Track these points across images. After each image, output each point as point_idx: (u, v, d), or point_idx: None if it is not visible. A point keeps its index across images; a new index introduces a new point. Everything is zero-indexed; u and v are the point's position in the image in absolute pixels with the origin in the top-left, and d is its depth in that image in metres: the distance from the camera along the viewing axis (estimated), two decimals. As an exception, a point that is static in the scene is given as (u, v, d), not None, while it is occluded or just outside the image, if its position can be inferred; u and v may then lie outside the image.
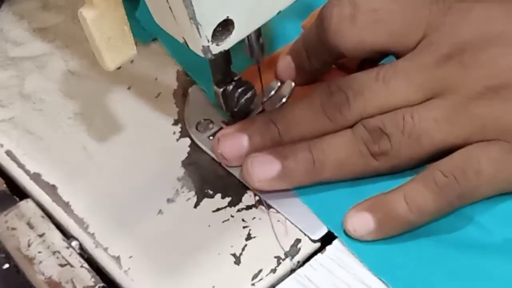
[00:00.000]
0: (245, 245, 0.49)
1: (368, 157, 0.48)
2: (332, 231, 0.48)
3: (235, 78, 0.52)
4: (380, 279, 0.46)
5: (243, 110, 0.53)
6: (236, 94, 0.52)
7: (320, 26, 0.50)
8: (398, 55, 0.50)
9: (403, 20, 0.49)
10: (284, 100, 0.55)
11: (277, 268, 0.47)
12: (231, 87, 0.52)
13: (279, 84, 0.55)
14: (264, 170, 0.49)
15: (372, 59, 0.52)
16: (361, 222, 0.47)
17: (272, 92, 0.55)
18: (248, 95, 0.52)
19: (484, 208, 0.48)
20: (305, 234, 0.49)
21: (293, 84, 0.55)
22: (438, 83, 0.47)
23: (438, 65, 0.47)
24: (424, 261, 0.46)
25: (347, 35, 0.49)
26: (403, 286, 0.45)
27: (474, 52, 0.47)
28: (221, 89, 0.52)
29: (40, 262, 0.49)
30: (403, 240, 0.47)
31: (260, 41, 0.51)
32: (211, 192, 0.52)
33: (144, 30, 0.59)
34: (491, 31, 0.47)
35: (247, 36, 0.49)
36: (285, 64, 0.55)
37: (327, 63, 0.53)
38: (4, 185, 0.54)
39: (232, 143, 0.51)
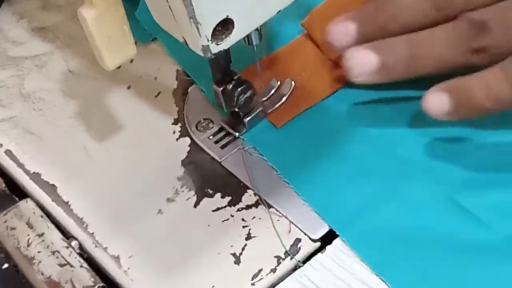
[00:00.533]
0: (245, 245, 0.49)
1: (468, 52, 0.48)
2: (334, 229, 0.48)
3: (235, 77, 0.52)
4: (382, 279, 0.46)
5: (243, 109, 0.53)
6: (236, 93, 0.52)
7: None
8: None
9: None
10: (284, 99, 0.55)
11: (277, 267, 0.47)
12: (230, 86, 0.52)
13: (278, 83, 0.55)
14: (363, 65, 0.50)
15: None
16: (438, 102, 0.47)
17: (272, 91, 0.55)
18: (248, 94, 0.52)
19: (485, 204, 0.48)
20: (305, 234, 0.49)
21: (293, 83, 0.55)
22: None
23: None
24: (425, 260, 0.46)
25: None
26: (404, 285, 0.45)
27: None
28: (221, 88, 0.52)
29: (40, 262, 0.49)
30: (404, 240, 0.47)
31: (260, 40, 0.51)
32: (211, 192, 0.52)
33: (144, 30, 0.59)
34: None
35: (247, 36, 0.49)
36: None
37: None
38: (4, 185, 0.55)
39: (340, 31, 0.51)
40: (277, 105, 0.54)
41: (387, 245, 0.47)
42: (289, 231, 0.49)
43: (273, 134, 0.54)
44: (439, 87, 0.48)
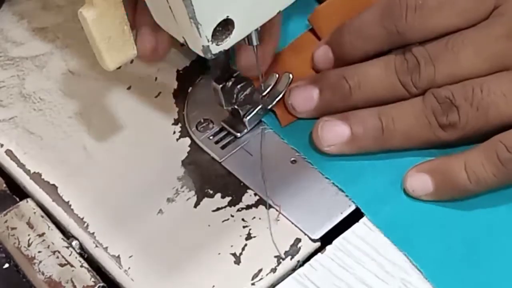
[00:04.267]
0: (245, 245, 0.49)
1: (436, 128, 0.49)
2: (359, 207, 0.49)
3: (234, 74, 0.52)
4: (382, 280, 0.46)
5: (242, 106, 0.53)
6: (235, 90, 0.52)
7: (384, 16, 0.50)
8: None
9: None
10: (282, 94, 0.55)
11: (277, 267, 0.47)
12: (230, 83, 0.52)
13: (277, 76, 0.55)
14: (334, 135, 0.51)
15: None
16: (420, 183, 0.48)
17: (271, 86, 0.55)
18: (247, 91, 0.52)
19: None
20: (305, 234, 0.49)
21: (290, 76, 0.55)
22: (508, 57, 0.47)
23: (508, 38, 0.47)
24: (449, 238, 0.47)
25: (416, 23, 0.49)
26: (430, 263, 0.46)
27: None
28: (221, 85, 0.52)
29: (40, 261, 0.49)
30: (431, 221, 0.48)
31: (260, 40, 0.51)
32: (211, 192, 0.52)
33: None
34: None
35: (247, 36, 0.49)
36: (322, 53, 0.55)
37: (373, 52, 0.52)
38: (4, 185, 0.55)
39: (303, 96, 0.53)
40: (276, 100, 0.54)
41: (413, 225, 0.48)
42: (289, 231, 0.49)
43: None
44: (421, 168, 0.49)
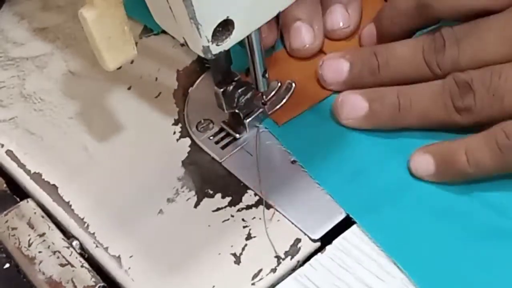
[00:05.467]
0: (245, 245, 0.49)
1: (452, 111, 0.49)
2: (352, 216, 0.49)
3: (235, 79, 0.52)
4: (382, 280, 0.46)
5: (243, 110, 0.53)
6: (236, 94, 0.52)
7: None
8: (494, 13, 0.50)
9: None
10: (284, 100, 0.55)
11: (277, 267, 0.47)
12: (231, 87, 0.52)
13: (279, 84, 0.56)
14: (352, 109, 0.52)
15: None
16: (423, 164, 0.49)
17: (272, 93, 0.55)
18: (248, 95, 0.52)
19: (501, 193, 0.48)
20: (305, 234, 0.49)
21: (293, 84, 0.55)
22: None
23: None
24: (441, 247, 0.47)
25: None
26: (420, 270, 0.46)
27: None
28: (222, 89, 0.52)
29: (41, 261, 0.49)
30: (423, 228, 0.48)
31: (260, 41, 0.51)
32: (211, 192, 0.52)
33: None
34: None
35: (247, 36, 0.49)
36: (369, 31, 0.56)
37: (412, 31, 0.53)
38: (5, 185, 0.55)
39: (334, 67, 0.54)
40: (278, 107, 0.55)
41: (404, 232, 0.47)
42: (289, 231, 0.49)
43: (287, 125, 0.54)
44: (425, 149, 0.50)
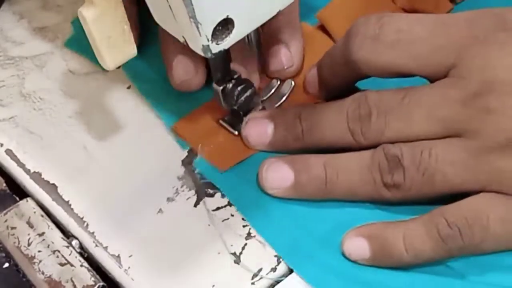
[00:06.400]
0: (245, 244, 0.49)
1: (380, 187, 0.47)
2: (290, 266, 0.47)
3: (235, 76, 0.52)
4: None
5: (242, 108, 0.53)
6: (236, 92, 0.52)
7: (345, 44, 0.49)
8: (428, 79, 0.47)
9: (430, 44, 0.46)
10: (283, 98, 0.55)
11: (277, 267, 0.47)
12: (230, 85, 0.52)
13: (279, 82, 0.55)
14: (277, 179, 0.49)
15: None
16: (357, 248, 0.46)
17: (272, 91, 0.55)
18: (248, 93, 0.52)
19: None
20: (305, 233, 0.49)
21: (292, 83, 0.55)
22: (461, 123, 0.45)
23: (463, 104, 0.45)
24: None
25: (369, 55, 0.47)
26: None
27: (502, 96, 0.44)
28: (221, 87, 0.52)
29: (40, 261, 0.49)
30: (360, 276, 0.46)
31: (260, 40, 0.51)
32: (211, 191, 0.52)
33: None
34: None
35: (247, 35, 0.49)
36: (311, 77, 0.54)
37: (349, 82, 0.51)
38: (4, 184, 0.55)
39: (258, 129, 0.52)
40: (277, 105, 0.54)
41: (343, 278, 0.46)
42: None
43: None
44: (360, 232, 0.47)
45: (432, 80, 0.47)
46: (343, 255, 0.47)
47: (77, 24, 0.61)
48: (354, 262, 0.47)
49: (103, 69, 0.56)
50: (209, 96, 0.54)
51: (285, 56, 0.55)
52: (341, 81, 0.51)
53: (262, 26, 0.49)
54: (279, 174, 0.49)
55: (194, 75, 0.54)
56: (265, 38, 0.55)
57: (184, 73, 0.54)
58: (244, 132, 0.52)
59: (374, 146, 0.48)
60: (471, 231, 0.44)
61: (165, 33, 0.49)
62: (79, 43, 0.60)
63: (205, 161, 0.52)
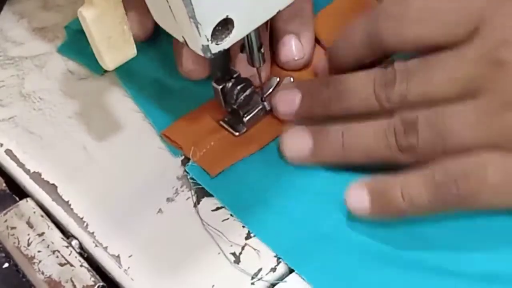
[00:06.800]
0: (245, 244, 0.49)
1: (395, 151, 0.48)
2: (289, 265, 0.47)
3: (234, 75, 0.52)
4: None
5: (242, 107, 0.53)
6: (235, 91, 0.52)
7: (370, 23, 0.50)
8: (446, 47, 0.48)
9: (454, 12, 0.47)
10: None
11: (277, 267, 0.47)
12: (230, 84, 0.52)
13: (278, 80, 0.55)
14: (296, 145, 0.51)
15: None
16: (358, 200, 0.47)
17: (271, 88, 0.55)
18: (247, 92, 0.52)
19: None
20: (304, 233, 0.49)
21: (292, 79, 0.55)
22: (476, 82, 0.46)
23: (479, 63, 0.46)
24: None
25: (395, 30, 0.48)
26: None
27: None
28: (220, 86, 0.52)
29: (40, 261, 0.49)
30: (361, 273, 0.46)
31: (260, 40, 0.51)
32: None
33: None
34: None
35: (247, 35, 0.49)
36: (322, 64, 0.55)
37: (364, 63, 0.52)
38: (4, 184, 0.55)
39: (286, 98, 0.53)
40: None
41: (344, 277, 0.46)
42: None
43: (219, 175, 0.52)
44: (361, 184, 0.48)
45: (451, 46, 0.48)
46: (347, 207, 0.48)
47: (70, 30, 0.62)
48: (356, 215, 0.47)
49: (101, 74, 0.57)
50: (199, 101, 0.55)
51: (297, 47, 0.55)
52: (357, 63, 0.52)
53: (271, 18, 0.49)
54: (298, 141, 0.51)
55: (202, 64, 0.55)
56: (275, 27, 0.55)
57: (192, 62, 0.54)
58: (274, 101, 0.53)
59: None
60: (467, 181, 0.45)
61: None
62: (72, 48, 0.61)
63: (197, 166, 0.52)
